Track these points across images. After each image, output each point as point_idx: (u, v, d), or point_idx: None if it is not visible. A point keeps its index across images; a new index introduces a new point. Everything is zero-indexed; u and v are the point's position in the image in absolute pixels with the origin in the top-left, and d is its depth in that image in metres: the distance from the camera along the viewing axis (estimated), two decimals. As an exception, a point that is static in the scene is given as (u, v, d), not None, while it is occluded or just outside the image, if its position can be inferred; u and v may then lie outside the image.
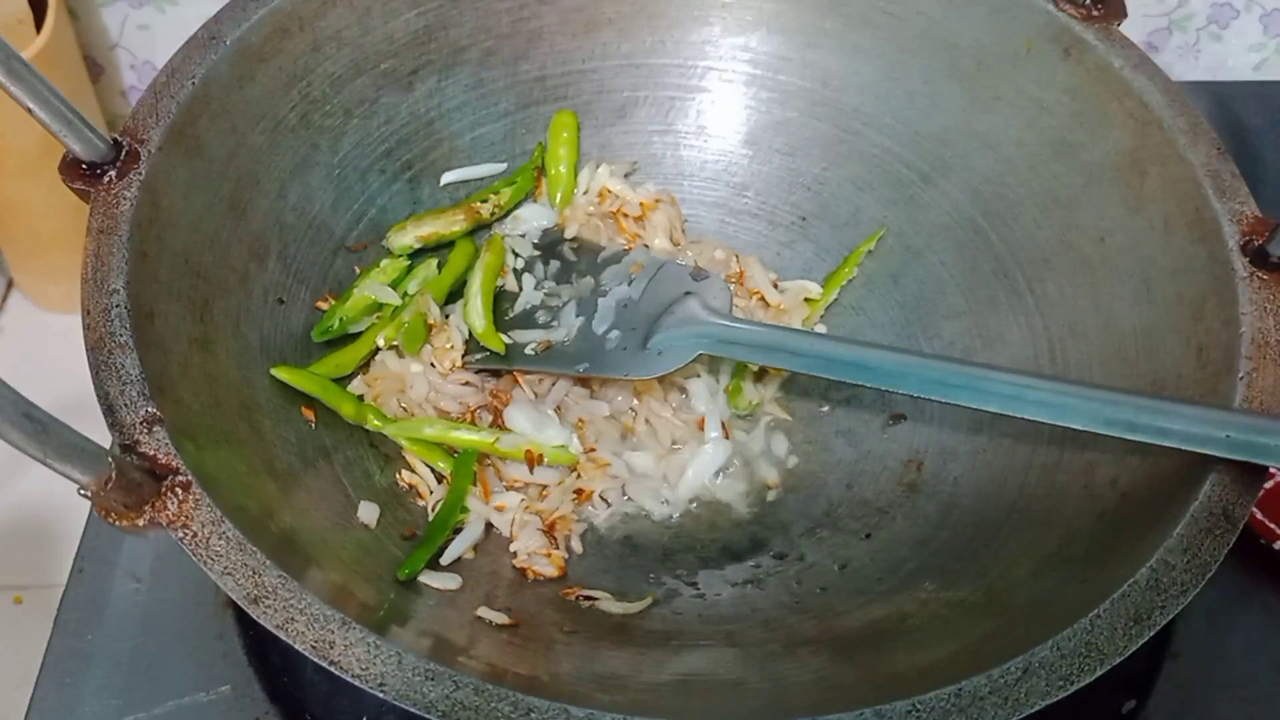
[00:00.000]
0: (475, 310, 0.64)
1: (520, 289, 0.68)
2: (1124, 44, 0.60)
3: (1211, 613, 0.61)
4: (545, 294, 0.67)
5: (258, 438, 0.53)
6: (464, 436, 0.60)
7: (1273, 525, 0.63)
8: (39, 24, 0.90)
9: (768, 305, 0.69)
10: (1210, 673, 0.59)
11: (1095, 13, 0.61)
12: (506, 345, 0.63)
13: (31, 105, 0.48)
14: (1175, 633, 0.61)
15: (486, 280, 0.66)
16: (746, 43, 0.70)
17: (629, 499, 0.61)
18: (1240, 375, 0.49)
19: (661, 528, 0.61)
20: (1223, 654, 0.60)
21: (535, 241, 0.70)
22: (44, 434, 0.37)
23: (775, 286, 0.69)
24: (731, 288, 0.66)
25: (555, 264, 0.68)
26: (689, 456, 0.62)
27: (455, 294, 0.67)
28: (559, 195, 0.71)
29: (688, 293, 0.63)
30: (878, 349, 0.57)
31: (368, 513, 0.55)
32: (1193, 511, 0.45)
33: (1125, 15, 0.61)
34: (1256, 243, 0.52)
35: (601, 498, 0.61)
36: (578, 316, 0.65)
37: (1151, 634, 0.42)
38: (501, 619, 0.52)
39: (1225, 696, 0.59)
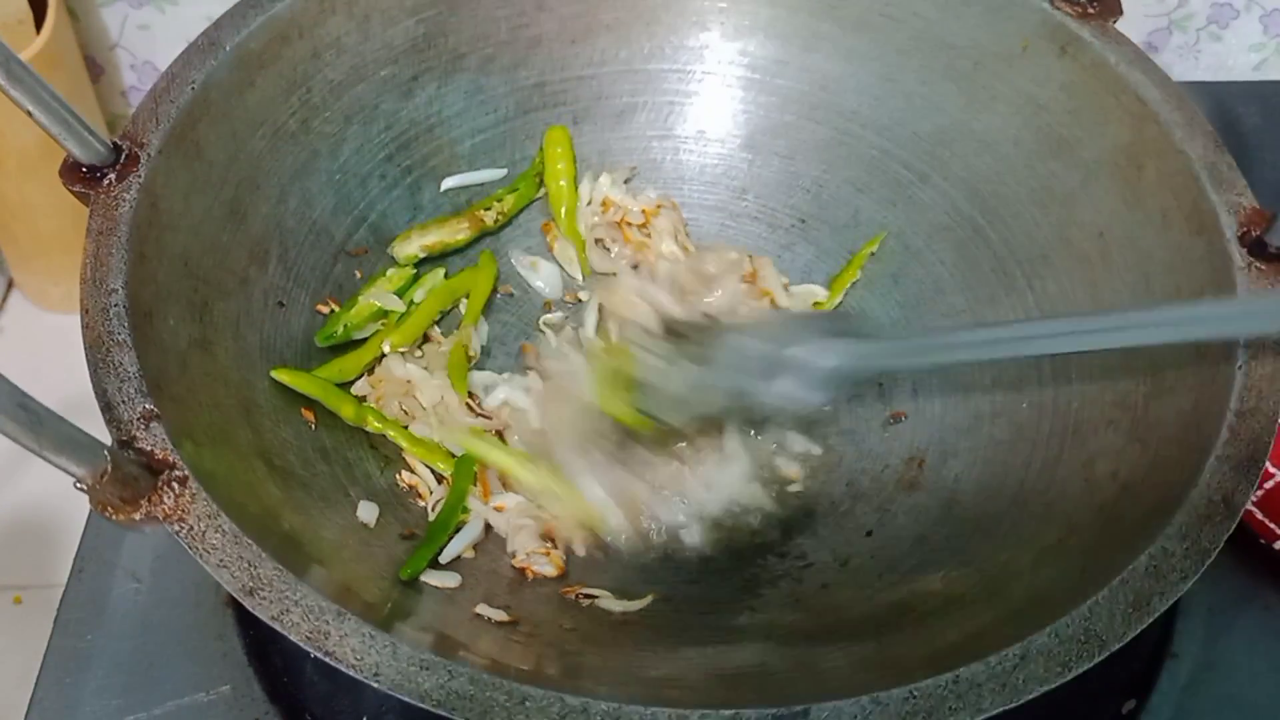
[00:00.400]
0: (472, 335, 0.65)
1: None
2: (1119, 40, 0.60)
3: (1211, 612, 0.61)
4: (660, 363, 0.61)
5: (258, 438, 0.53)
6: (496, 455, 0.59)
7: (1273, 525, 0.62)
8: (39, 24, 0.90)
9: (777, 308, 0.68)
10: (1210, 672, 0.59)
11: (1091, 10, 0.61)
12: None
13: (31, 108, 0.48)
14: (1175, 633, 0.60)
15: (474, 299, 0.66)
16: (744, 47, 0.70)
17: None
18: (1239, 364, 0.49)
19: (665, 529, 0.61)
20: (1223, 654, 0.60)
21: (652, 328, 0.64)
22: (39, 425, 0.37)
23: (785, 289, 0.69)
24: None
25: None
26: (711, 471, 0.61)
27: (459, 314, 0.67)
28: (563, 209, 0.71)
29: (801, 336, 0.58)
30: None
31: (367, 512, 0.55)
32: (1191, 498, 0.44)
33: (1120, 12, 0.61)
34: (1254, 233, 0.52)
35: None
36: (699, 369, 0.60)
37: (1151, 619, 0.41)
38: (500, 616, 0.52)
39: (1225, 696, 0.58)
